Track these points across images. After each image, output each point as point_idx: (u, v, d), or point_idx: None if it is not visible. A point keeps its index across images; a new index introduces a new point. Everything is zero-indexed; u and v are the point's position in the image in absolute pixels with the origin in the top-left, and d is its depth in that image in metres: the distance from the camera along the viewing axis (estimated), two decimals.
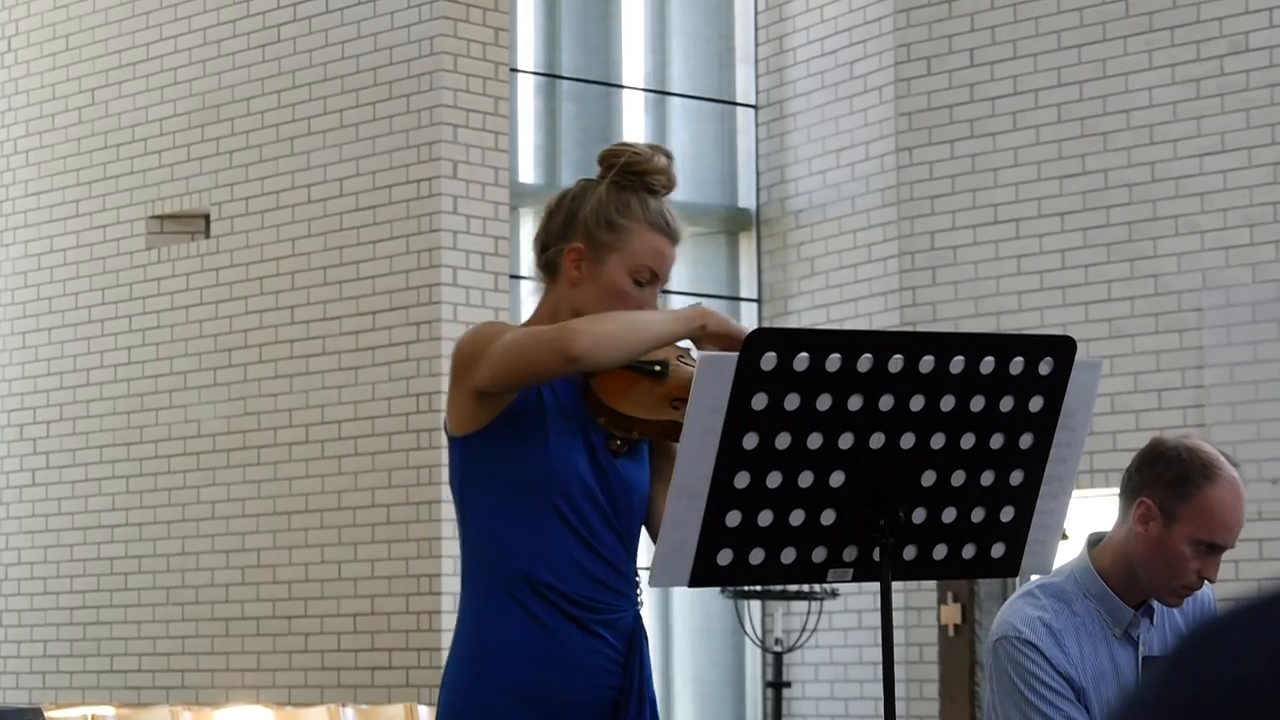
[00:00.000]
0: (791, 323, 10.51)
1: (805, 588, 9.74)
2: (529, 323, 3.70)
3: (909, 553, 3.34)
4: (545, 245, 3.70)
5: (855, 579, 3.31)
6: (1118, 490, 4.17)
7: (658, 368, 3.61)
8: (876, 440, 3.21)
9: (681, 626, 10.80)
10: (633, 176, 3.67)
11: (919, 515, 3.31)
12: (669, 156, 3.72)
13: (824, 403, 3.15)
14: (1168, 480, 4.01)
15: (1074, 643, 4.07)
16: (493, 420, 3.56)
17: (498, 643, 3.56)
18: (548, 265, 3.69)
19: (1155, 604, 4.14)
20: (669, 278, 3.70)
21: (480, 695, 3.57)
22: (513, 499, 3.57)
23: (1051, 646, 4.04)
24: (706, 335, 3.48)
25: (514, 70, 10.25)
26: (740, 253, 11.01)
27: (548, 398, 3.59)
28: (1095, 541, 4.17)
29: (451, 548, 9.33)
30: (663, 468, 3.62)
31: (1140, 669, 4.12)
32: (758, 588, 9.71)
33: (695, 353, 3.71)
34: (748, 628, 10.31)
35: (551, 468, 3.54)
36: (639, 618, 3.67)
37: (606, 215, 3.64)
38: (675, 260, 3.70)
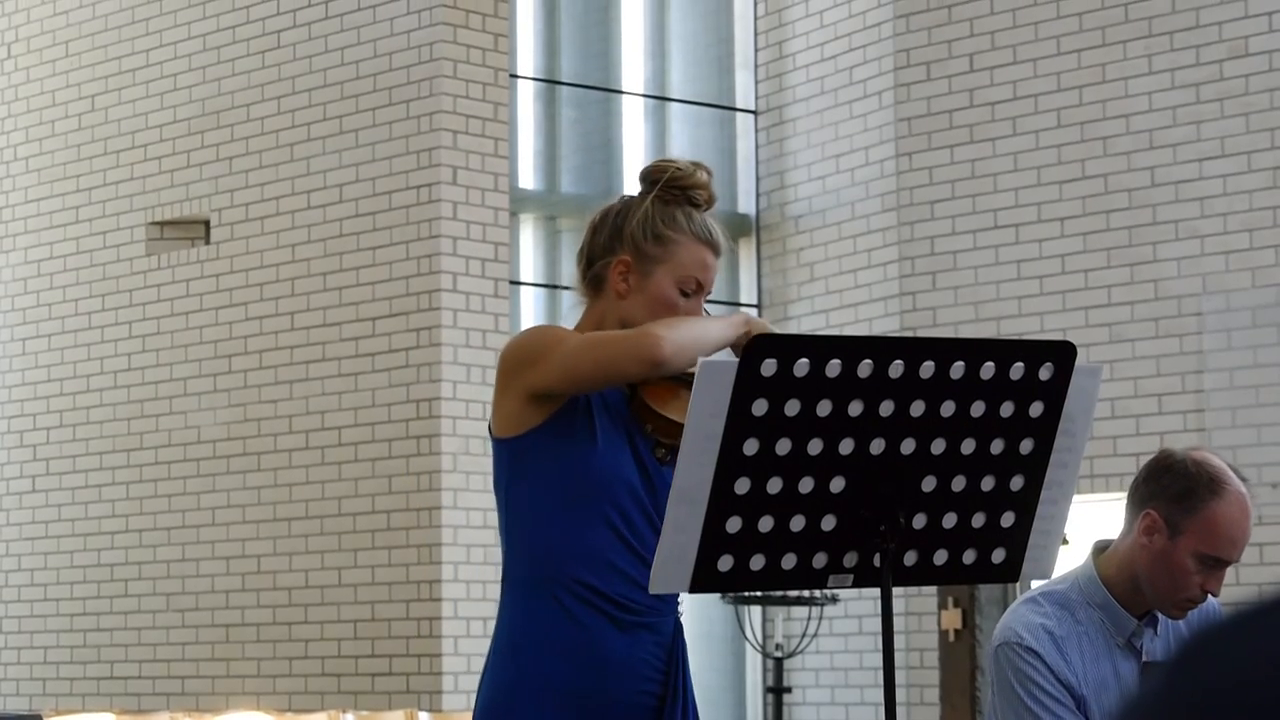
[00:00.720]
0: (791, 328, 10.50)
1: (806, 593, 9.74)
2: None
3: (909, 558, 3.34)
4: (591, 260, 3.75)
5: (856, 584, 3.30)
6: (1120, 495, 4.16)
7: None
8: (877, 446, 3.21)
9: None
10: (676, 191, 3.74)
11: (919, 520, 3.31)
12: (709, 173, 3.80)
13: (824, 408, 3.15)
14: (1174, 494, 4.00)
15: (1076, 651, 4.07)
16: (543, 423, 3.60)
17: (536, 641, 3.60)
18: (594, 279, 3.74)
19: (1159, 614, 4.15)
20: (712, 288, 3.75)
21: (517, 693, 3.60)
22: (561, 503, 3.61)
23: (1053, 654, 4.04)
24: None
25: (513, 76, 10.25)
26: (740, 258, 11.02)
27: (595, 402, 3.63)
28: (1101, 549, 4.16)
29: (451, 554, 9.33)
30: None
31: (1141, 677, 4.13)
32: (758, 593, 9.71)
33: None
34: (748, 633, 10.31)
35: (601, 473, 3.58)
36: (679, 625, 3.70)
37: (653, 228, 3.70)
38: (718, 271, 3.77)
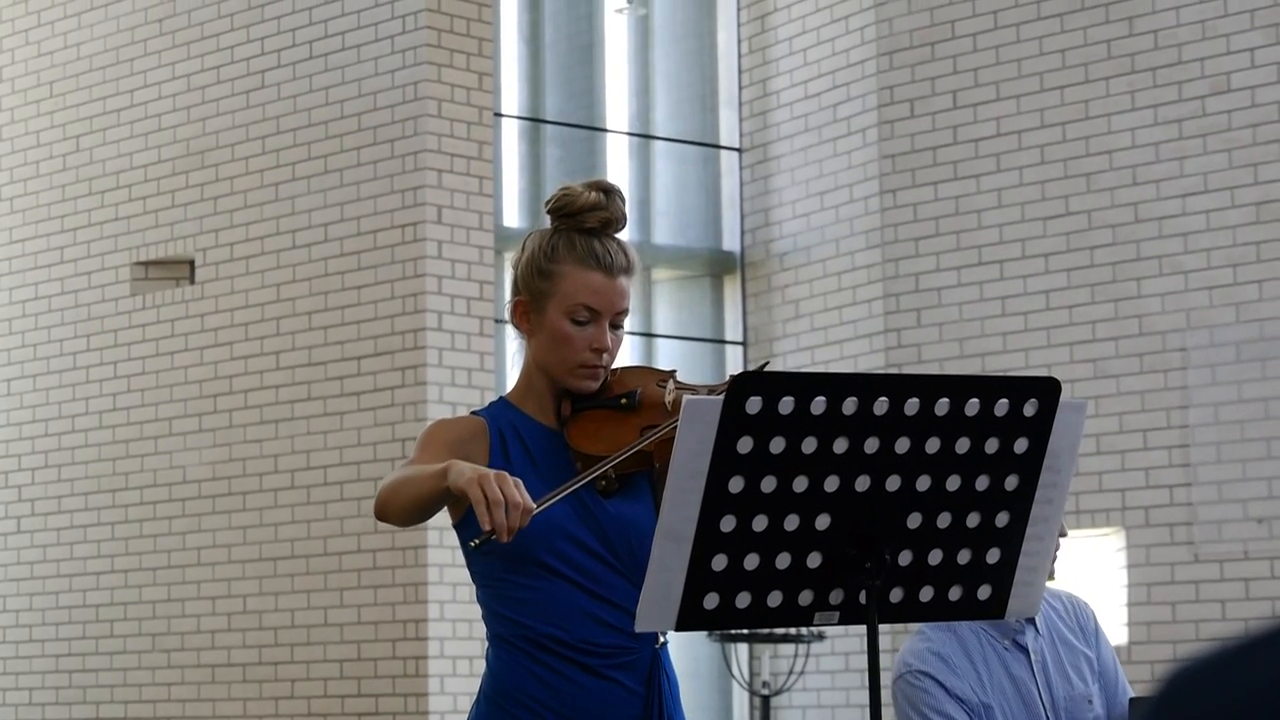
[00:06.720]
0: (777, 366, 10.51)
1: (792, 630, 9.73)
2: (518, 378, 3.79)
3: (895, 595, 3.34)
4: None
5: (842, 622, 3.30)
6: (1106, 531, 4.24)
7: (624, 400, 3.64)
8: (862, 483, 3.21)
9: None
10: (565, 219, 3.70)
11: (905, 558, 3.31)
12: (607, 191, 3.70)
13: (809, 446, 3.15)
14: None
15: (966, 662, 4.24)
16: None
17: (513, 691, 3.63)
18: (513, 322, 3.76)
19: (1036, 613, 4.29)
20: (621, 309, 3.70)
21: None
22: (504, 569, 3.64)
23: (944, 671, 4.20)
24: (449, 491, 3.42)
25: (498, 115, 10.27)
26: (725, 296, 11.02)
27: (518, 461, 3.65)
28: None
29: (438, 593, 9.31)
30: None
31: (1036, 675, 4.26)
32: (744, 631, 9.69)
33: (676, 379, 3.72)
34: (735, 671, 10.29)
35: (532, 528, 3.54)
36: (658, 657, 3.68)
37: (537, 264, 3.69)
38: (625, 293, 3.70)
